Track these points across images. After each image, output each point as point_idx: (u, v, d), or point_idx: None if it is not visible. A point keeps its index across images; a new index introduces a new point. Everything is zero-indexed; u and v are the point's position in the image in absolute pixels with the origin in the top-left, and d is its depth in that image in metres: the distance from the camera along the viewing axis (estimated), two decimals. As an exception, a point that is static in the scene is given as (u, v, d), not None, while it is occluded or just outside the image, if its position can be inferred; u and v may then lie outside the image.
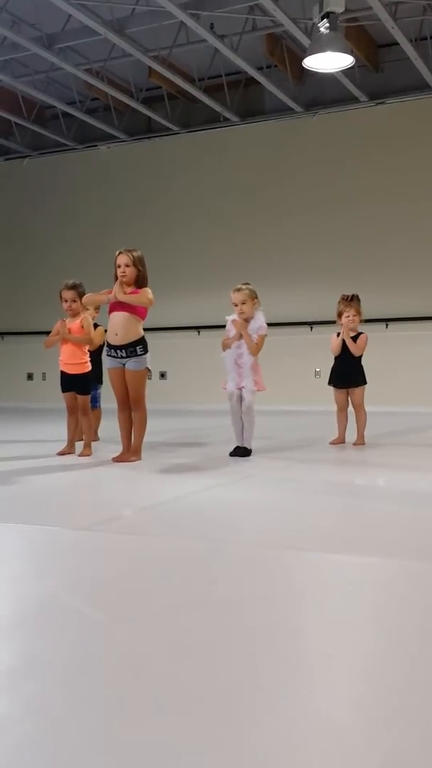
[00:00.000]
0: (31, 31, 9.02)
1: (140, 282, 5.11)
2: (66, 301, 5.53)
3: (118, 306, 5.07)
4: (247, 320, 5.23)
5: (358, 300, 6.11)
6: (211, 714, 1.38)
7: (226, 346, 5.29)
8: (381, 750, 1.25)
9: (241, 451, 5.24)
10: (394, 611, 1.99)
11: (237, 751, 1.25)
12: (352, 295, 6.12)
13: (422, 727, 1.33)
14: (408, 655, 1.67)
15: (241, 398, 5.23)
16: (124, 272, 5.05)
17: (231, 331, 5.27)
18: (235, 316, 5.26)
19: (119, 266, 5.07)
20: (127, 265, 5.05)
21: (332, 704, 1.43)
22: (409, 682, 1.52)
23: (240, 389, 5.23)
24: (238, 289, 5.27)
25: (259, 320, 5.24)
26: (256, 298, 5.29)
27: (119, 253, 5.12)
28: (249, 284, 5.35)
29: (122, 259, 5.08)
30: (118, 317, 5.07)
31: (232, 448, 5.31)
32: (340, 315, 6.12)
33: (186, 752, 1.25)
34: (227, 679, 1.54)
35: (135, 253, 5.11)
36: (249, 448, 5.28)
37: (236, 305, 5.23)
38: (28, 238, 12.90)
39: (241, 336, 5.20)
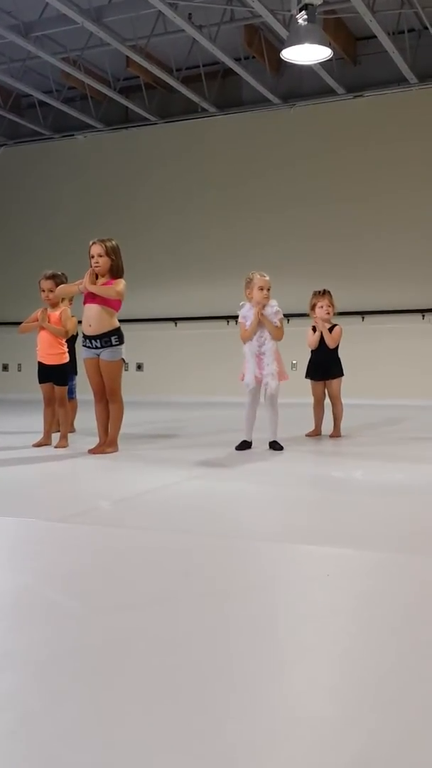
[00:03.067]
0: (8, 18, 8.92)
1: (114, 272, 5.07)
2: (44, 291, 5.51)
3: (90, 298, 5.05)
4: (264, 307, 5.16)
5: (330, 294, 6.17)
6: (187, 705, 1.39)
7: (247, 338, 5.17)
8: (358, 741, 1.26)
9: (275, 446, 5.17)
10: (371, 603, 2.01)
11: (214, 742, 1.26)
12: (324, 290, 6.18)
13: (399, 717, 1.34)
14: (385, 646, 1.68)
15: (264, 388, 5.14)
16: (97, 262, 5.02)
17: (247, 319, 5.17)
18: (247, 306, 5.18)
19: (92, 257, 5.04)
20: (100, 255, 5.02)
21: (309, 695, 1.44)
22: (386, 673, 1.54)
23: (260, 379, 5.13)
24: (263, 275, 5.20)
25: (274, 305, 5.19)
26: None
27: (92, 244, 5.08)
28: None
29: (95, 249, 5.04)
30: (92, 309, 5.04)
31: (239, 442, 5.22)
32: (313, 308, 6.16)
33: (162, 744, 1.25)
34: (204, 670, 1.55)
35: (108, 243, 5.07)
36: (278, 441, 5.19)
37: (261, 289, 5.14)
38: (4, 228, 12.79)
39: (260, 322, 5.11)
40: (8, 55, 10.05)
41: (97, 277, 5.04)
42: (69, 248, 10.82)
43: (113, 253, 5.06)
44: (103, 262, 5.03)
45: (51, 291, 5.48)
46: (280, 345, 5.23)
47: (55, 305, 5.52)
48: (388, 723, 1.32)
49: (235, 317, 5.31)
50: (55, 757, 1.22)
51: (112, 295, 5.00)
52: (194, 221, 11.43)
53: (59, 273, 5.58)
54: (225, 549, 2.56)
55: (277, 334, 5.16)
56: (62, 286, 5.36)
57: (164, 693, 1.44)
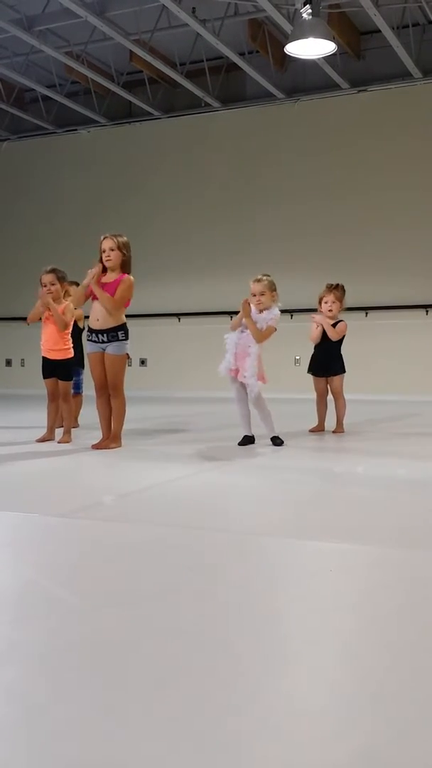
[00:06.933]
0: (11, 12, 8.90)
1: (125, 267, 5.09)
2: (45, 285, 5.52)
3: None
4: (262, 311, 5.12)
5: (343, 290, 6.11)
6: (189, 699, 1.39)
7: (234, 327, 5.22)
8: (359, 734, 1.26)
9: (276, 441, 5.15)
10: (373, 597, 2.01)
11: (215, 735, 1.26)
12: (336, 284, 6.13)
13: (400, 711, 1.34)
14: (387, 640, 1.69)
15: (245, 387, 5.15)
16: (109, 257, 5.04)
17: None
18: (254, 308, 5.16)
19: (104, 251, 5.05)
20: (112, 250, 5.04)
21: (311, 689, 1.44)
22: (388, 667, 1.54)
23: (235, 372, 5.13)
24: (258, 280, 5.16)
25: (273, 312, 5.14)
26: (275, 290, 5.19)
27: (104, 238, 5.09)
28: (268, 276, 5.23)
29: (107, 244, 5.06)
30: (101, 304, 5.05)
31: (241, 438, 5.23)
32: (320, 301, 6.13)
33: (163, 737, 1.25)
34: (206, 664, 1.55)
35: (120, 238, 5.09)
36: (278, 436, 5.18)
37: (254, 295, 5.12)
38: (7, 224, 12.78)
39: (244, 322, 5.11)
40: (11, 49, 10.03)
41: (105, 270, 5.06)
42: (72, 243, 10.85)
43: (124, 248, 5.08)
44: (115, 257, 5.04)
45: (52, 284, 5.50)
46: (267, 347, 5.25)
47: (56, 299, 5.53)
48: (389, 716, 1.32)
49: (239, 313, 5.29)
50: (58, 749, 1.22)
51: (108, 308, 4.98)
52: (197, 216, 11.42)
53: (57, 268, 5.61)
54: (227, 544, 2.56)
55: (258, 338, 5.10)
56: (76, 290, 5.41)
57: (166, 686, 1.44)
